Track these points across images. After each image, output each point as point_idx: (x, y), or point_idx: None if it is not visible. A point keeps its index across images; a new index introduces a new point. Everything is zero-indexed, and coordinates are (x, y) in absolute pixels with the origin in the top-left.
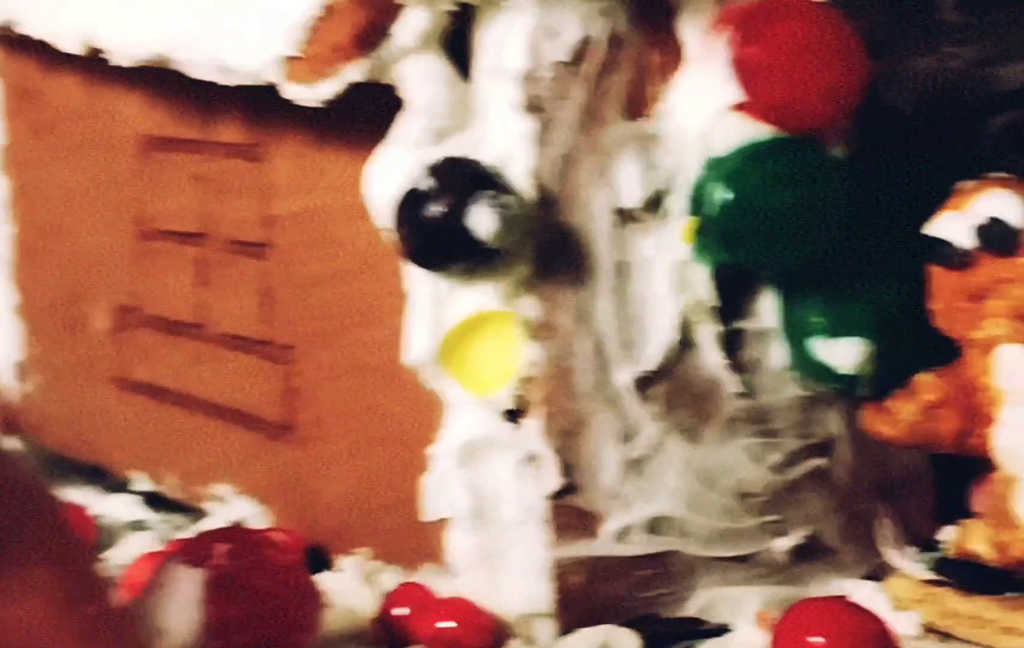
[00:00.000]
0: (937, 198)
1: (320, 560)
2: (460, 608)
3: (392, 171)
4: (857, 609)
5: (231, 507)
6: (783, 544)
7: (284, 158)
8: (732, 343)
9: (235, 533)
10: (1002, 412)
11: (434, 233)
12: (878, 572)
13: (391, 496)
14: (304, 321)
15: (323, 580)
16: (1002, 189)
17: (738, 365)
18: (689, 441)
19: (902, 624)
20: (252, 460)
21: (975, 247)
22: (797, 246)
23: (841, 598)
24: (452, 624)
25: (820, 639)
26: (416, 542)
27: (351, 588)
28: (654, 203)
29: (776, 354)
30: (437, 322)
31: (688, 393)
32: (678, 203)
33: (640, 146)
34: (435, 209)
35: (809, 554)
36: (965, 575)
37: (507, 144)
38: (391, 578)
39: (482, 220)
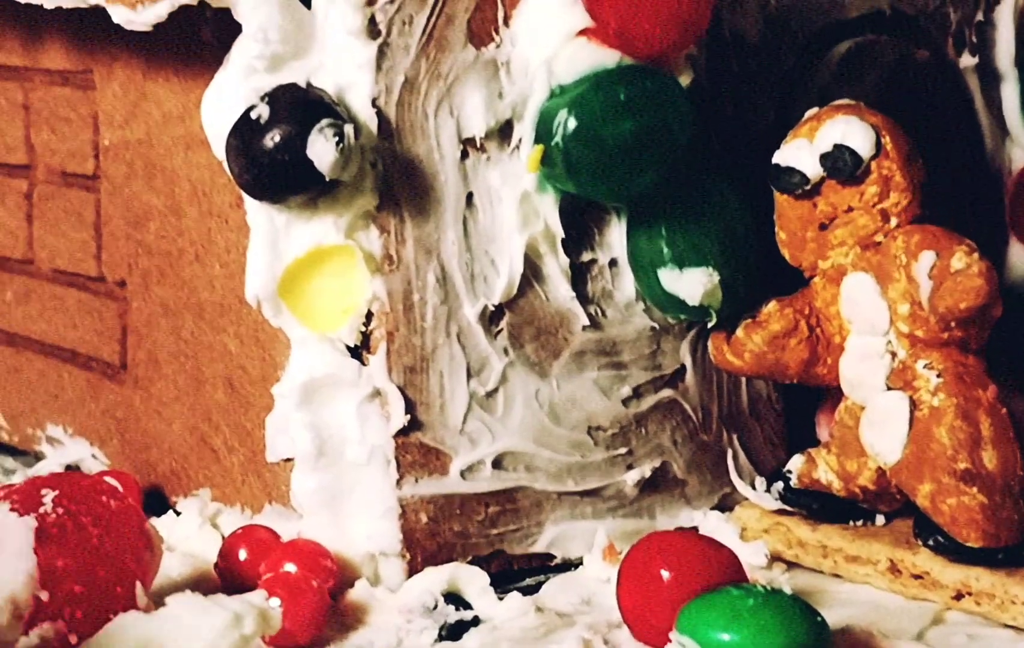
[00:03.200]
0: (783, 126)
1: (159, 503)
2: (304, 550)
3: (227, 99)
4: (704, 541)
5: (66, 449)
6: (632, 477)
7: (114, 86)
8: (580, 275)
9: (67, 478)
10: (849, 341)
11: (271, 164)
12: (726, 502)
13: (231, 437)
14: (137, 256)
15: (162, 524)
16: (848, 116)
17: (586, 297)
18: (537, 375)
19: (749, 554)
20: (86, 401)
21: (821, 175)
22: (642, 174)
23: (688, 531)
24: (294, 567)
25: (667, 572)
26: (258, 483)
27: (191, 532)
28: (500, 132)
29: (624, 286)
30: (276, 257)
31: (535, 327)
32: (525, 132)
33: (485, 73)
34: (271, 139)
35: (658, 486)
36: (811, 505)
37: (346, 71)
38: (232, 520)
39: (321, 150)
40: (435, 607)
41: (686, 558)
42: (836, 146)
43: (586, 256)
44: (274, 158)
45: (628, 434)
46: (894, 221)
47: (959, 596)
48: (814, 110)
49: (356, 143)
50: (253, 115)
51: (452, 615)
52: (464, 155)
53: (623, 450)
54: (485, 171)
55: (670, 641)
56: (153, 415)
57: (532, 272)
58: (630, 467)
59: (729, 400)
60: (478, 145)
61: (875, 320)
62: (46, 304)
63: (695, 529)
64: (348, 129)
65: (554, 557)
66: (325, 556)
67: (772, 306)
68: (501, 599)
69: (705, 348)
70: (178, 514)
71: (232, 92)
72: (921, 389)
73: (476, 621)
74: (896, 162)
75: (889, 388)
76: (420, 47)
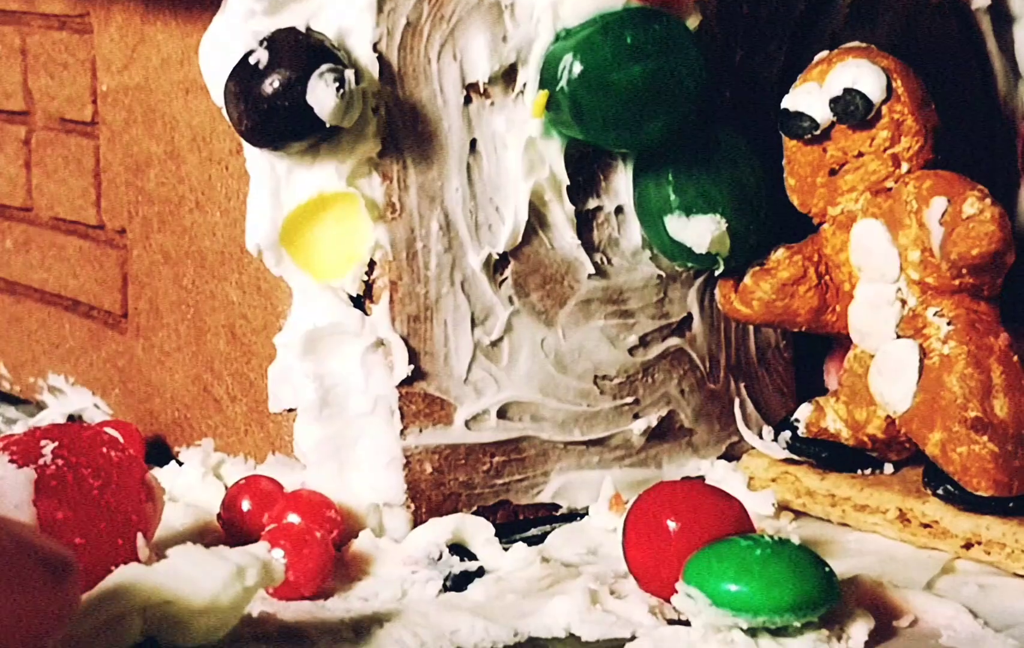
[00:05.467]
0: (794, 70)
1: (161, 452)
2: (307, 501)
3: (225, 44)
4: (711, 491)
5: (68, 399)
6: (639, 426)
7: (112, 30)
8: (585, 223)
9: (67, 430)
10: (858, 289)
11: (270, 110)
12: (733, 451)
13: (234, 386)
14: (137, 204)
15: (164, 474)
16: (858, 59)
17: (592, 245)
18: (543, 324)
19: (757, 503)
20: (88, 350)
21: (831, 120)
22: (650, 121)
23: (695, 481)
24: (298, 518)
25: (674, 523)
26: (261, 433)
27: (194, 482)
28: (505, 77)
29: (631, 234)
30: (277, 205)
31: (541, 275)
32: (529, 77)
33: (489, 16)
34: (271, 85)
35: (665, 435)
36: (820, 454)
37: (347, 15)
38: (235, 470)
39: (321, 96)
40: (440, 558)
41: (693, 508)
42: (846, 90)
43: (592, 203)
44: (273, 104)
45: (635, 383)
46: (905, 166)
47: (969, 545)
48: (824, 53)
49: (357, 89)
50: (252, 60)
51: (457, 566)
52: (468, 100)
53: (629, 399)
54: (489, 117)
55: (677, 592)
56: (155, 364)
57: (537, 220)
58: (636, 416)
59: (737, 349)
60: (482, 90)
61: (885, 267)
62: (46, 253)
63: (702, 478)
64: (349, 74)
65: (560, 507)
66: (329, 507)
67: (781, 253)
68: (506, 550)
69: (712, 297)
70: (180, 464)
71: (230, 36)
72: (931, 337)
73: (481, 572)
74: (908, 106)
75: (899, 336)
76: None
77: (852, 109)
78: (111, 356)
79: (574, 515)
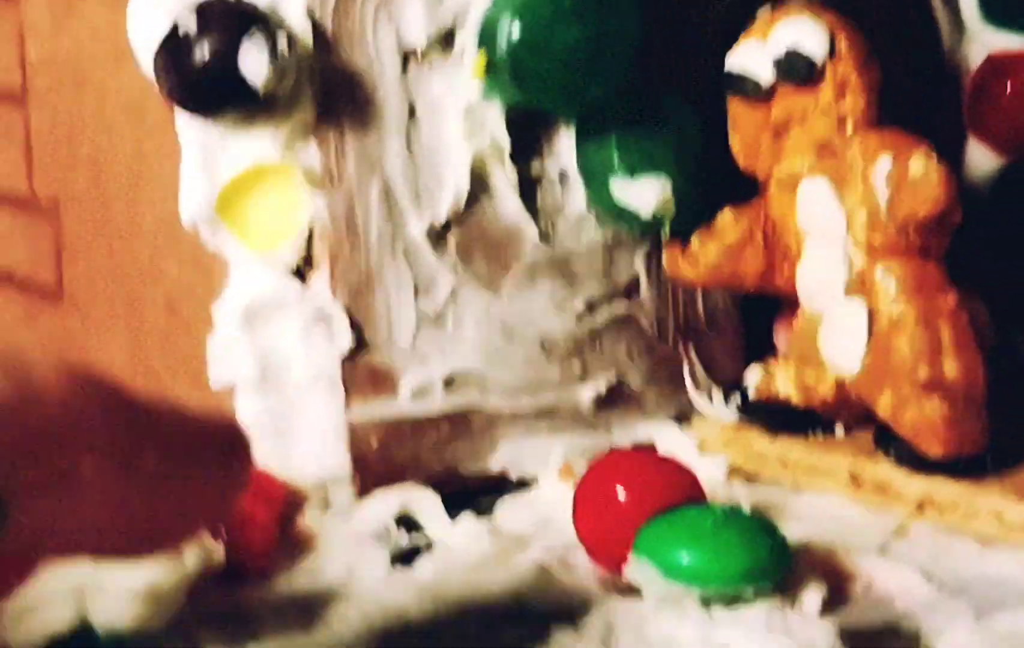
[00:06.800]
0: (737, 27)
1: None
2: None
3: (154, 12)
4: (662, 460)
5: None
6: (587, 393)
7: None
8: (529, 189)
9: None
10: (805, 250)
11: (202, 79)
12: (683, 413)
13: (173, 361)
14: (69, 175)
15: None
16: (800, 16)
17: (536, 212)
18: (488, 291)
19: (708, 468)
20: (21, 325)
21: (775, 80)
22: (591, 84)
23: (645, 449)
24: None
25: (624, 492)
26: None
27: None
28: (443, 41)
29: (575, 199)
30: (212, 176)
31: (485, 241)
32: (468, 40)
33: None
34: (201, 53)
35: (614, 401)
36: (770, 417)
37: None
38: None
39: (253, 64)
40: (387, 533)
41: (643, 478)
42: (789, 51)
43: (535, 169)
44: (204, 73)
45: (582, 349)
46: (850, 125)
47: (921, 507)
48: (767, 9)
49: (291, 55)
50: (181, 29)
51: (404, 540)
52: (405, 65)
53: (577, 366)
54: (428, 82)
55: (628, 563)
56: (92, 339)
57: (480, 187)
58: (585, 382)
59: (685, 311)
60: (419, 56)
61: (832, 227)
62: None
63: (652, 444)
64: (281, 40)
65: (507, 476)
66: (272, 484)
67: (727, 216)
68: (454, 522)
69: (659, 260)
70: None
71: (159, 4)
72: (880, 298)
73: (429, 546)
74: (851, 64)
75: (847, 297)
76: None
77: (795, 69)
78: (47, 331)
79: (524, 484)
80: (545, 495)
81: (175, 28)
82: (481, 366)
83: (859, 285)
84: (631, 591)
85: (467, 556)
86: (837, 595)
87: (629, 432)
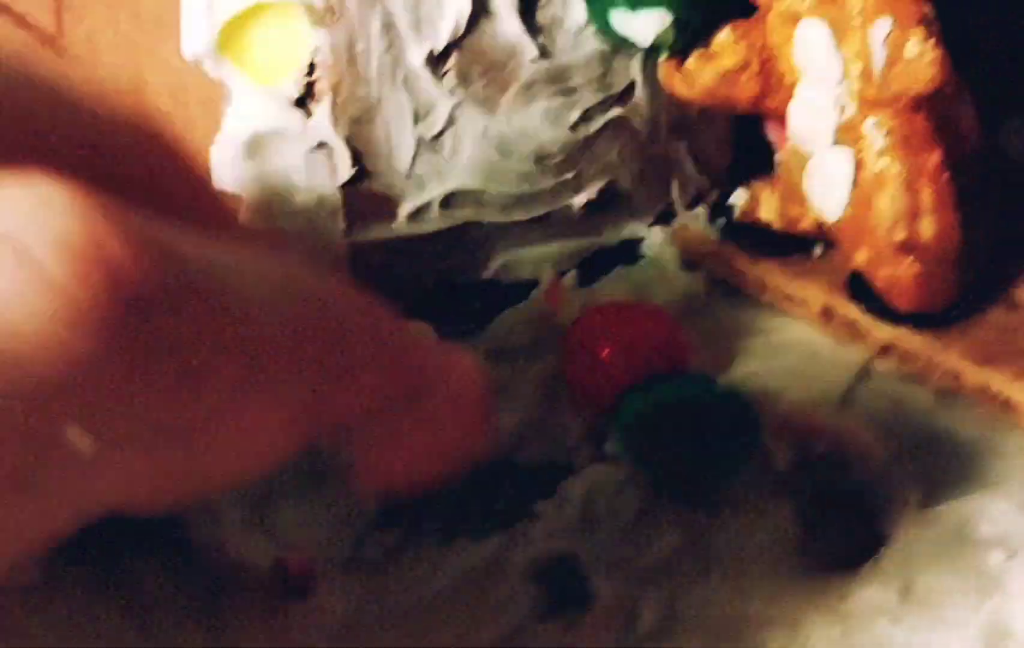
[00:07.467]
0: None
1: None
2: None
3: None
4: (649, 315)
5: None
6: (580, 199)
7: None
8: (529, 6)
9: None
10: (798, 89)
11: None
12: (669, 211)
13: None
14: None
15: None
16: None
17: (535, 28)
18: (486, 111)
19: (691, 281)
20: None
21: None
22: None
23: (634, 305)
24: None
25: (609, 351)
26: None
27: None
28: None
29: (574, 13)
30: (213, 12)
31: (483, 63)
32: None
33: None
34: None
35: (604, 204)
36: (752, 240)
37: None
38: None
39: None
40: None
41: (629, 336)
42: None
43: None
44: None
45: (576, 159)
46: None
47: (886, 350)
48: None
49: None
50: None
51: None
52: None
53: (571, 175)
54: None
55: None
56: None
57: (480, 7)
58: (578, 190)
59: (678, 109)
60: None
61: (828, 71)
62: None
63: (639, 243)
64: None
65: (501, 282)
66: None
67: (726, 37)
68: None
69: (656, 64)
70: None
71: None
72: (866, 149)
73: None
74: None
75: (836, 143)
76: None
77: None
78: (52, 72)
79: (517, 290)
80: (537, 310)
81: None
82: (478, 184)
83: (848, 132)
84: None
85: None
86: (802, 458)
87: (617, 231)
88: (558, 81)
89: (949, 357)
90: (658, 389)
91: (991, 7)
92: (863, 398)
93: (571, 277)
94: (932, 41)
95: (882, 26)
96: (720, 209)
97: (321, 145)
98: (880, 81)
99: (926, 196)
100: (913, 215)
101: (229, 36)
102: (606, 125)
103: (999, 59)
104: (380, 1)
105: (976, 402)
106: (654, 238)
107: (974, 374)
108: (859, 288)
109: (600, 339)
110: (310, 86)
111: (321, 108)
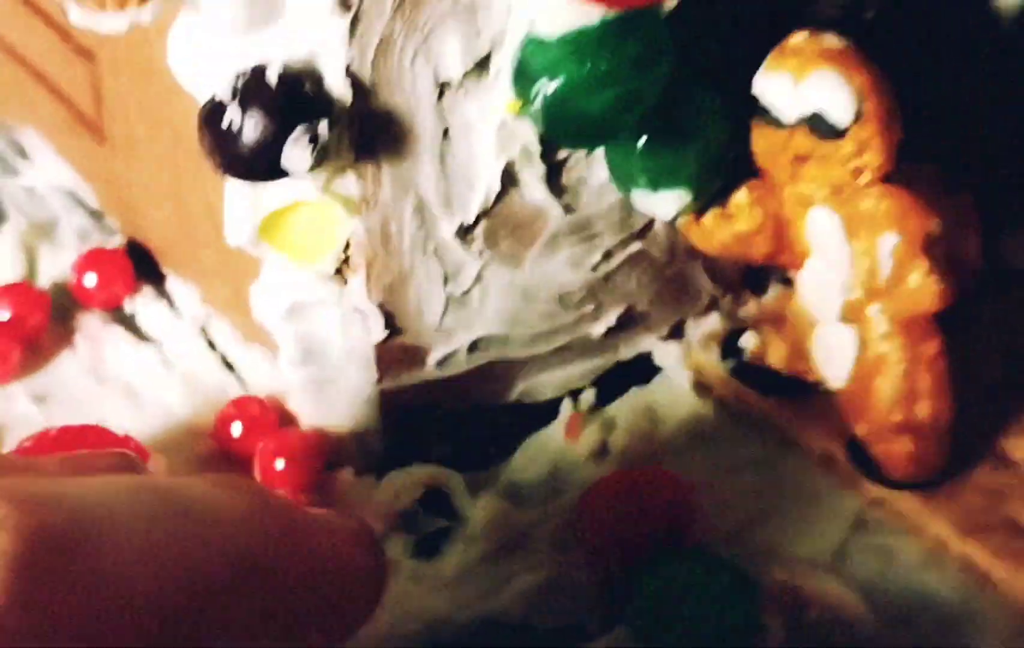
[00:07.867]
0: (764, 47)
1: (152, 269)
2: (293, 444)
3: (196, 46)
4: (662, 483)
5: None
6: (600, 328)
7: None
8: (555, 172)
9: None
10: (809, 262)
11: (246, 165)
12: (681, 325)
13: (210, 231)
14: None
15: (155, 316)
16: (833, 71)
17: (561, 189)
18: (511, 267)
19: (701, 406)
20: (63, 128)
21: (799, 124)
22: (620, 132)
23: (647, 472)
24: (283, 463)
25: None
26: (242, 311)
27: (186, 347)
28: (478, 67)
29: (598, 170)
30: (255, 209)
31: (510, 224)
32: (503, 63)
33: (464, 16)
34: (247, 139)
35: (622, 326)
36: (761, 381)
37: (319, 39)
38: (223, 338)
39: (296, 159)
40: (413, 512)
41: (642, 507)
42: (815, 114)
43: (562, 154)
44: (248, 163)
45: (597, 293)
46: (866, 177)
47: (877, 503)
48: (803, 36)
49: (332, 135)
50: (225, 120)
51: (429, 525)
52: (441, 95)
53: (591, 307)
54: (462, 105)
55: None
56: (137, 187)
57: (508, 180)
58: (597, 319)
59: None
60: (454, 86)
61: (837, 258)
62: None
63: (650, 356)
64: (322, 128)
65: (523, 403)
66: (314, 449)
67: (743, 199)
68: (474, 497)
69: None
70: (172, 306)
71: (202, 41)
72: (870, 331)
73: (453, 528)
74: (875, 126)
75: (842, 319)
76: (395, 8)
77: (818, 130)
78: (92, 150)
79: (539, 415)
80: (558, 441)
81: (218, 112)
82: (503, 330)
83: (853, 312)
84: None
85: (488, 544)
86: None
87: (633, 347)
88: (581, 230)
89: (935, 523)
90: (667, 571)
91: (993, 118)
92: (855, 552)
93: (589, 395)
94: (934, 277)
95: (889, 241)
96: (731, 349)
97: (356, 310)
98: (884, 287)
99: (923, 382)
100: (911, 401)
101: (269, 226)
102: (626, 260)
103: (1000, 167)
104: (413, 187)
105: (960, 569)
106: (669, 353)
107: (958, 544)
108: (857, 453)
109: (614, 508)
110: (346, 258)
111: (356, 279)
